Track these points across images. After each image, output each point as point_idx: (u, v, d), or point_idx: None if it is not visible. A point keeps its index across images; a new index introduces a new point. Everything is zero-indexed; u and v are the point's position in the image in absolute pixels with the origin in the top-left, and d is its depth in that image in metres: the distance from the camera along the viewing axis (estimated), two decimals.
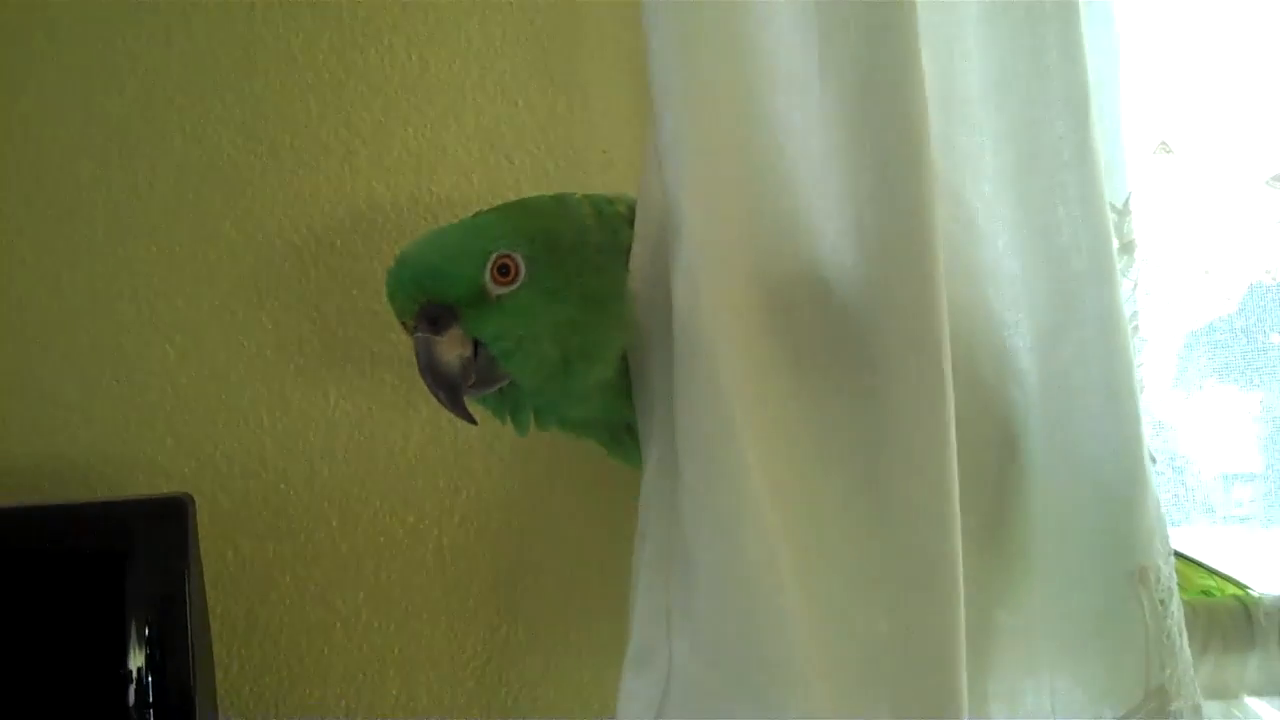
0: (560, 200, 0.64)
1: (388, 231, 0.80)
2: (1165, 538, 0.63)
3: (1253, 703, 0.73)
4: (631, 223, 0.62)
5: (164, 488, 0.76)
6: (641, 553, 0.60)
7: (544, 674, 0.78)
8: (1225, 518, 0.98)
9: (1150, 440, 0.64)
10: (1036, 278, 0.63)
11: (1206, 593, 0.77)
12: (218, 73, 0.80)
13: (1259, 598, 0.75)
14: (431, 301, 0.59)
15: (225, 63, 0.80)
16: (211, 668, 0.69)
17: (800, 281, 0.59)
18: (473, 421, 0.61)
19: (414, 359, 0.59)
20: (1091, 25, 0.64)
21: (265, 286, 0.79)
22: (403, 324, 0.61)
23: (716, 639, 0.53)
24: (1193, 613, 0.68)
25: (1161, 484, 0.74)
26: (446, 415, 0.60)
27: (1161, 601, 0.61)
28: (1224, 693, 0.72)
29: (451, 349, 0.58)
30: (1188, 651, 0.63)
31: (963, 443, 0.55)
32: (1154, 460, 0.64)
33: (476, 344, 0.59)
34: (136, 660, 0.62)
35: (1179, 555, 0.65)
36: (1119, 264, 0.63)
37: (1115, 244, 0.63)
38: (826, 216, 0.58)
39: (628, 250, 0.61)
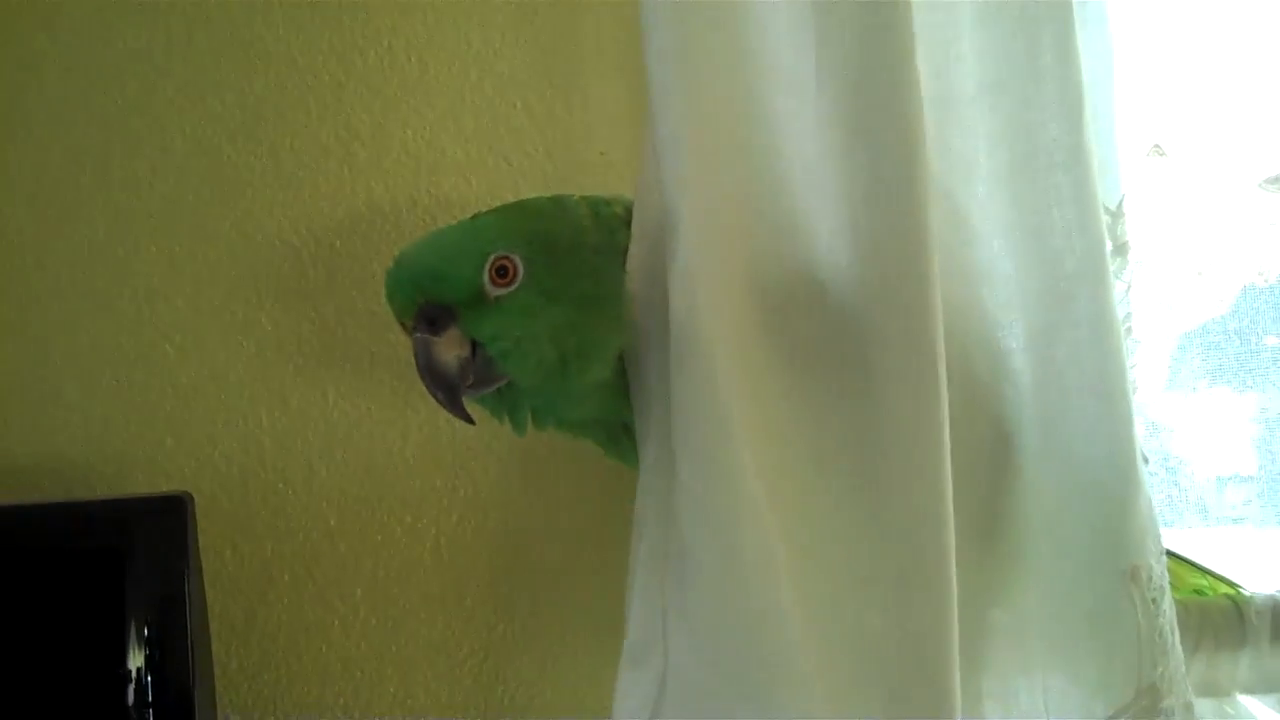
0: (558, 202, 0.64)
1: (387, 233, 0.80)
2: (1157, 537, 0.63)
3: (1245, 700, 0.73)
4: (629, 224, 0.62)
5: (164, 487, 0.76)
6: (638, 551, 0.60)
7: (541, 672, 0.79)
8: (1219, 519, 0.98)
9: (1144, 442, 0.64)
10: (1030, 279, 0.63)
11: (1199, 591, 0.77)
12: (218, 73, 0.80)
13: (1250, 596, 0.75)
14: (430, 302, 0.59)
15: (225, 63, 0.80)
16: (211, 666, 0.69)
17: (796, 282, 0.59)
18: (471, 421, 0.61)
19: (412, 359, 0.59)
20: (1086, 28, 0.64)
21: (265, 287, 0.79)
22: (401, 324, 0.61)
23: (712, 637, 0.53)
24: (1185, 611, 0.68)
25: (1155, 486, 0.74)
26: (445, 415, 0.61)
27: (1154, 600, 0.62)
28: (1216, 690, 0.72)
29: (450, 349, 0.59)
30: (1180, 650, 0.63)
31: (957, 442, 0.55)
32: (1146, 460, 0.64)
33: (474, 344, 0.59)
34: (136, 658, 0.62)
35: (1171, 554, 0.66)
36: (1112, 266, 0.64)
37: (1109, 246, 0.63)
38: (822, 217, 0.58)
39: (625, 251, 0.61)
